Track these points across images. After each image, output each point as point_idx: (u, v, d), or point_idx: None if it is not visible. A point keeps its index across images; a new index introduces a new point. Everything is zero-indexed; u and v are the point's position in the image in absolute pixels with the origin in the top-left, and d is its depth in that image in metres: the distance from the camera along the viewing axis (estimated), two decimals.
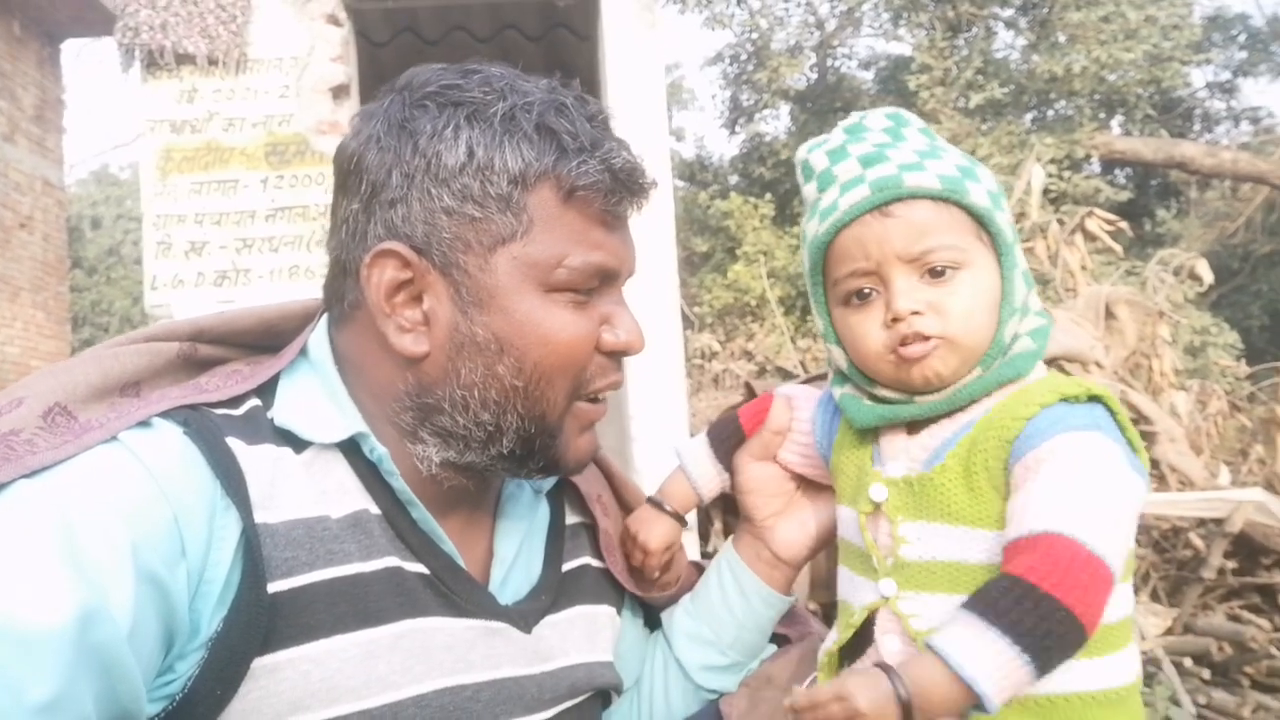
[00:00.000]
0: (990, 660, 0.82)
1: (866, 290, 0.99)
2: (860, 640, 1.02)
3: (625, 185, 0.99)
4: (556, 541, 1.15)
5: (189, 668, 0.85)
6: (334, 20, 4.25)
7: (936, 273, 0.97)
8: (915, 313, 0.96)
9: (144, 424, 0.89)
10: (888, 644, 0.98)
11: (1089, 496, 0.87)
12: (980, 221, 0.98)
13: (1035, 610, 0.83)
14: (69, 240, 11.34)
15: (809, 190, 1.06)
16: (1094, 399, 0.94)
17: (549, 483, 1.16)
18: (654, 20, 4.16)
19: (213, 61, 4.18)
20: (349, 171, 0.99)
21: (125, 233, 21.40)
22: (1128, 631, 0.96)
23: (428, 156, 0.94)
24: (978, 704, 0.83)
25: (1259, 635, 4.13)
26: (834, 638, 1.05)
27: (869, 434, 1.07)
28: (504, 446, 0.98)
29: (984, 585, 0.87)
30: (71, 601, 0.75)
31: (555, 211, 0.96)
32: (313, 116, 4.21)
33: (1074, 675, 0.91)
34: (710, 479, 1.19)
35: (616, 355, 1.03)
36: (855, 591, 1.03)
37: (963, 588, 0.93)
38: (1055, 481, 0.88)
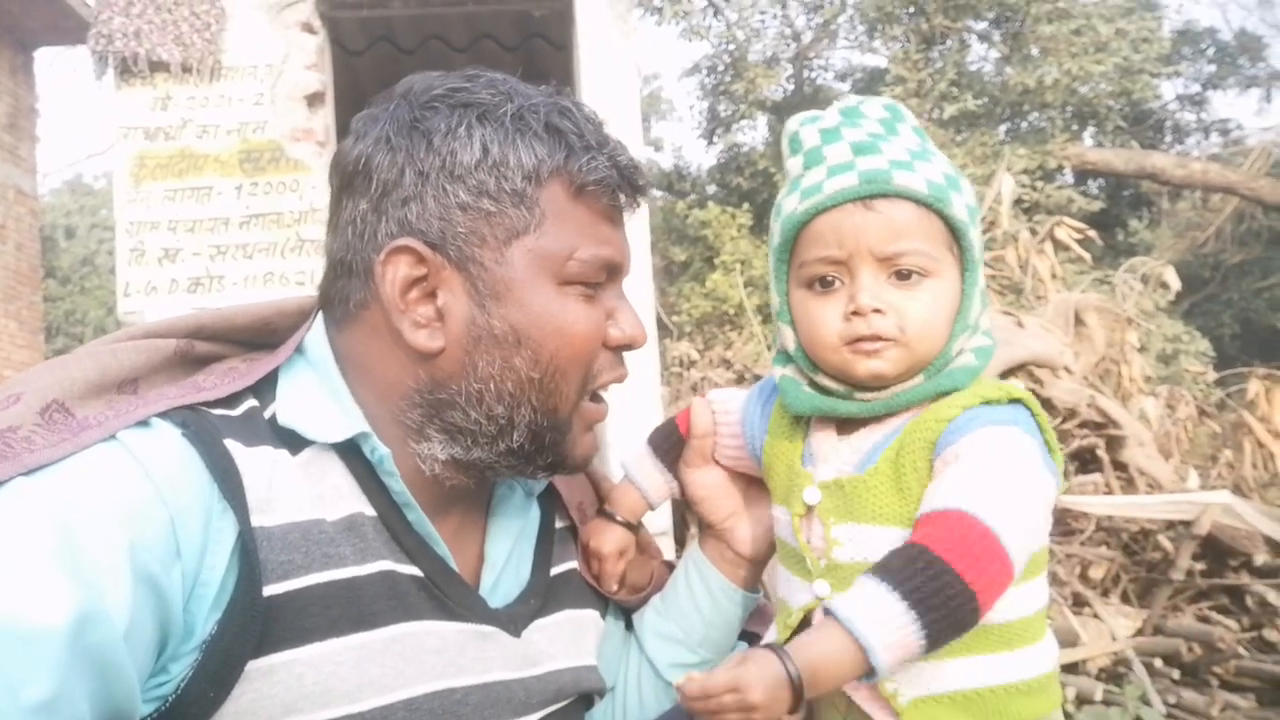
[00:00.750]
0: (884, 621, 0.82)
1: (831, 278, 0.99)
2: (795, 637, 0.99)
3: (629, 182, 1.03)
4: (546, 545, 1.16)
5: (182, 669, 0.86)
6: (309, 28, 4.26)
7: (904, 275, 0.97)
8: (877, 311, 0.96)
9: (143, 424, 0.90)
10: None
11: (998, 482, 0.89)
12: (955, 234, 0.99)
13: (931, 577, 0.84)
14: (42, 250, 11.22)
15: (794, 164, 1.05)
16: (1014, 400, 0.97)
17: (540, 485, 1.17)
18: (629, 30, 4.19)
19: (187, 69, 4.18)
20: (355, 173, 1.00)
21: (99, 242, 21.20)
22: (1043, 624, 0.99)
23: (442, 154, 0.96)
24: (869, 673, 0.83)
25: (1227, 636, 4.18)
26: (772, 637, 1.07)
27: (799, 430, 1.07)
28: (514, 441, 1.00)
29: (886, 555, 0.88)
30: (68, 602, 0.75)
31: (566, 207, 0.99)
32: (287, 124, 4.21)
33: (998, 668, 0.94)
34: (658, 486, 1.21)
35: (620, 350, 1.06)
36: (792, 592, 1.04)
37: None
38: (968, 467, 0.90)
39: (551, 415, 1.00)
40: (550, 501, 1.20)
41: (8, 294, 9.47)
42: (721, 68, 13.53)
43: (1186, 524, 4.40)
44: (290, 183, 4.23)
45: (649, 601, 1.26)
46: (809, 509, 1.01)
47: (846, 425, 1.03)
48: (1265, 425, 5.74)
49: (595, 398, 1.06)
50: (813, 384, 1.04)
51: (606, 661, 1.21)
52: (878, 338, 0.96)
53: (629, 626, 1.29)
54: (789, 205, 1.02)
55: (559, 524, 1.20)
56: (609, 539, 1.18)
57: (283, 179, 4.23)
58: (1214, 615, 4.48)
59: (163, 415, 0.91)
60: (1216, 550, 4.54)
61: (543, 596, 1.11)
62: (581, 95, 4.20)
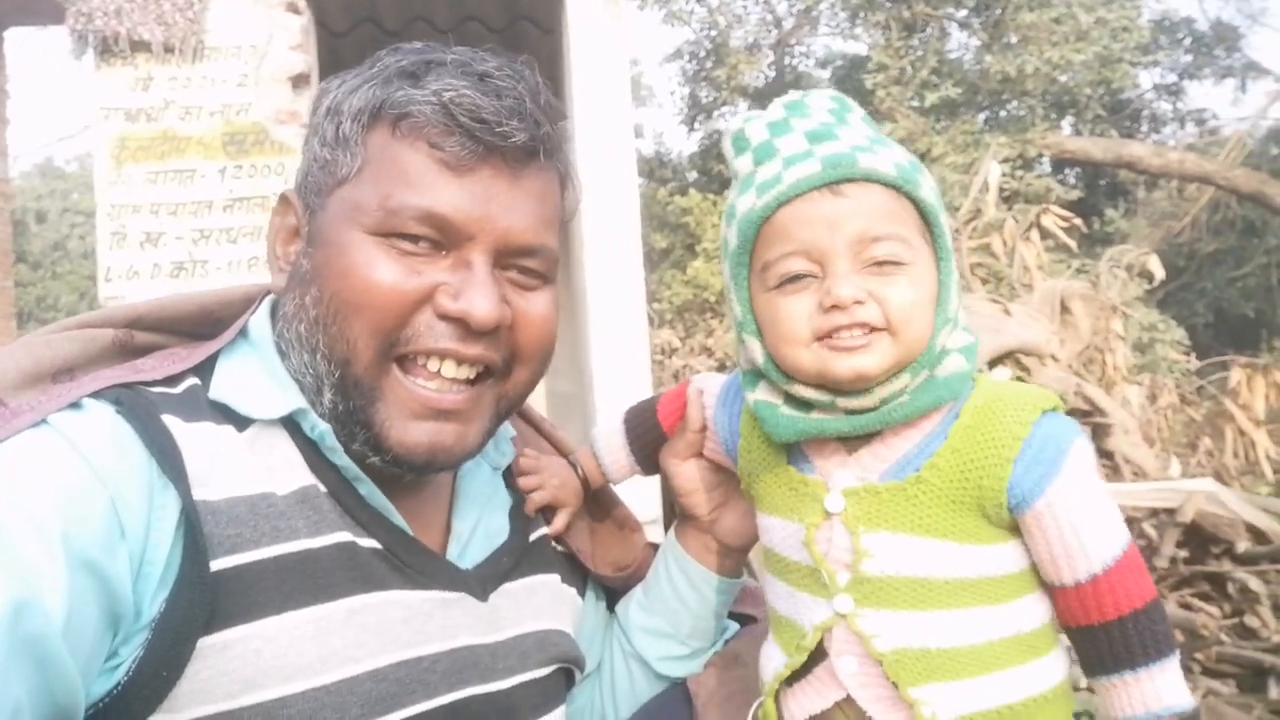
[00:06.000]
0: (1182, 681, 0.91)
1: (801, 274, 0.92)
2: (807, 658, 0.98)
3: (458, 122, 0.92)
4: (521, 514, 1.15)
5: (132, 651, 0.83)
6: (293, 8, 4.18)
7: (880, 264, 0.91)
8: (858, 302, 0.90)
9: (74, 406, 0.88)
10: (844, 665, 0.95)
11: (1102, 511, 0.93)
12: (926, 221, 0.94)
13: (1162, 630, 0.91)
14: (13, 234, 11.04)
15: (742, 163, 0.98)
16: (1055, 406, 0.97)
17: (505, 460, 1.16)
18: (618, 13, 4.15)
19: (169, 49, 4.10)
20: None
21: (71, 227, 20.92)
22: (1055, 632, 0.98)
23: (316, 111, 1.00)
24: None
25: (1209, 623, 4.23)
26: (783, 660, 1.00)
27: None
28: (327, 400, 0.95)
29: (1125, 632, 0.91)
30: (1, 595, 0.73)
31: (389, 151, 0.94)
32: (271, 105, 4.14)
33: (1026, 680, 0.93)
34: (620, 466, 1.19)
35: (459, 324, 0.94)
36: (801, 609, 0.99)
37: (925, 605, 0.92)
38: (1080, 517, 0.92)
39: (344, 367, 0.93)
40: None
41: None
42: (703, 54, 13.50)
43: (1170, 511, 4.44)
44: (275, 165, 4.16)
45: (632, 597, 1.25)
46: (828, 517, 0.96)
47: (853, 438, 0.98)
48: (1246, 413, 5.81)
49: (421, 371, 0.95)
50: (789, 400, 0.97)
51: (587, 640, 1.21)
52: (863, 326, 0.90)
53: (610, 609, 1.28)
54: (745, 204, 0.95)
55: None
56: (560, 478, 1.17)
57: (267, 161, 4.16)
58: (1196, 602, 4.53)
59: (96, 395, 0.89)
60: (1199, 537, 4.59)
61: (517, 557, 1.10)
62: (570, 80, 4.16)
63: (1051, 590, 0.95)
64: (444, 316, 0.93)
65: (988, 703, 0.91)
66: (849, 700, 0.95)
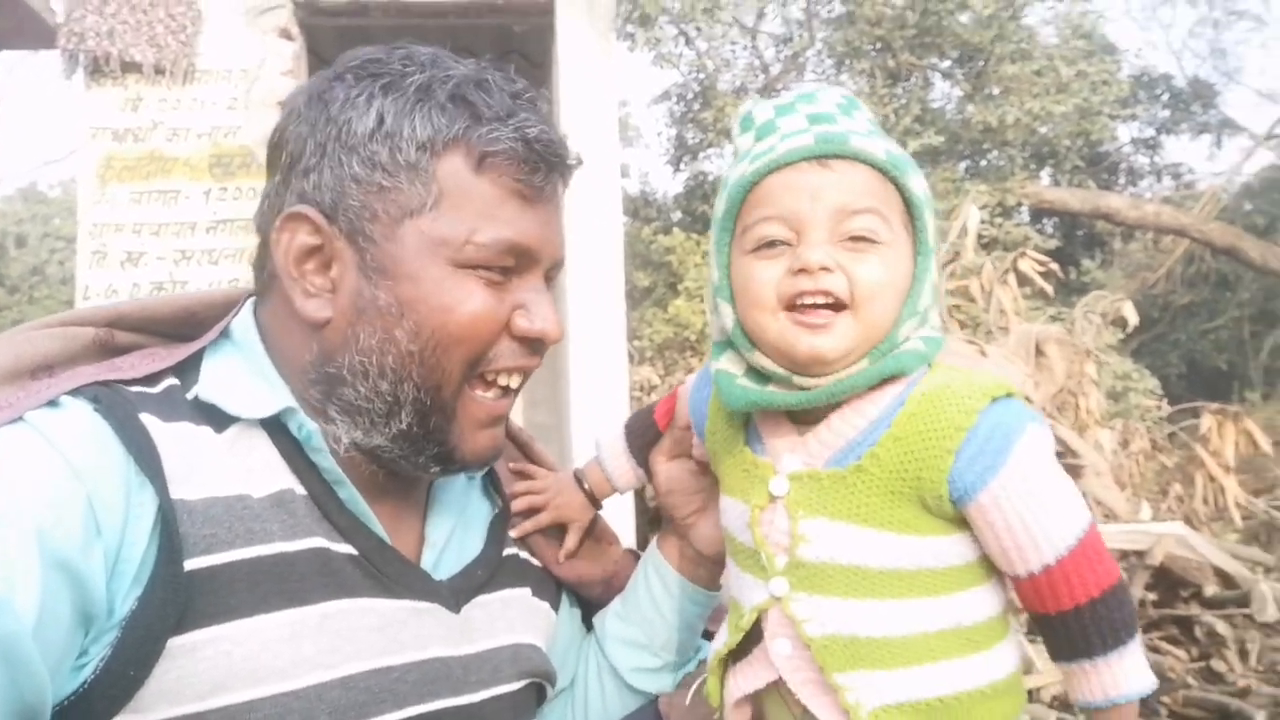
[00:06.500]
0: (1143, 662, 0.91)
1: (778, 240, 0.93)
2: (747, 639, 0.99)
3: (541, 156, 0.97)
4: (497, 525, 1.16)
5: (101, 649, 0.83)
6: (286, 34, 4.23)
7: (856, 240, 0.92)
8: (825, 269, 0.90)
9: (52, 403, 0.88)
10: (778, 647, 0.95)
11: (1058, 497, 0.91)
12: (911, 213, 0.95)
13: (1125, 614, 0.91)
14: None
15: (744, 140, 1.00)
16: (1008, 394, 0.93)
17: (479, 470, 1.15)
18: (608, 50, 4.22)
19: (160, 71, 4.14)
20: (273, 147, 1.02)
21: (51, 252, 20.76)
22: (1005, 625, 0.97)
23: (339, 124, 0.95)
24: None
25: (1177, 666, 4.25)
26: (723, 639, 1.02)
27: (738, 414, 1.03)
28: (402, 423, 0.97)
29: (1081, 623, 0.90)
30: None
31: (467, 182, 0.95)
32: (260, 130, 4.17)
33: (963, 673, 0.92)
34: (624, 473, 1.20)
35: (530, 341, 1.01)
36: (744, 590, 1.00)
37: (858, 593, 0.91)
38: (1032, 504, 0.89)
39: (435, 394, 0.97)
40: (498, 488, 1.19)
41: None
42: (690, 96, 13.64)
43: (1140, 554, 4.47)
44: (261, 189, 4.18)
45: (609, 606, 1.25)
46: (772, 500, 0.97)
47: (802, 418, 0.98)
48: (1217, 459, 5.87)
49: (490, 386, 1.01)
50: (749, 372, 0.98)
51: (561, 655, 1.21)
52: (826, 295, 0.90)
53: (588, 626, 1.28)
54: (737, 172, 0.97)
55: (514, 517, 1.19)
56: (565, 497, 1.17)
57: (253, 185, 4.19)
58: (1164, 645, 4.54)
59: (74, 392, 0.89)
60: (1168, 581, 4.61)
61: (491, 570, 1.10)
62: (560, 116, 4.21)
63: (1006, 578, 0.95)
64: (522, 337, 1.00)
65: (916, 694, 0.90)
66: (781, 681, 0.95)
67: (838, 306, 0.91)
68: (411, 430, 0.98)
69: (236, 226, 4.19)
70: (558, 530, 1.22)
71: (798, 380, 0.94)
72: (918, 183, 0.95)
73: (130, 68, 4.14)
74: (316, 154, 0.96)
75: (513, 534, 1.17)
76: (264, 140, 3.85)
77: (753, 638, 0.98)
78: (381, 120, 0.94)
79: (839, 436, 0.95)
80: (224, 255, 4.19)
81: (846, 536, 0.92)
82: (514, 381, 1.03)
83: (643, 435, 1.19)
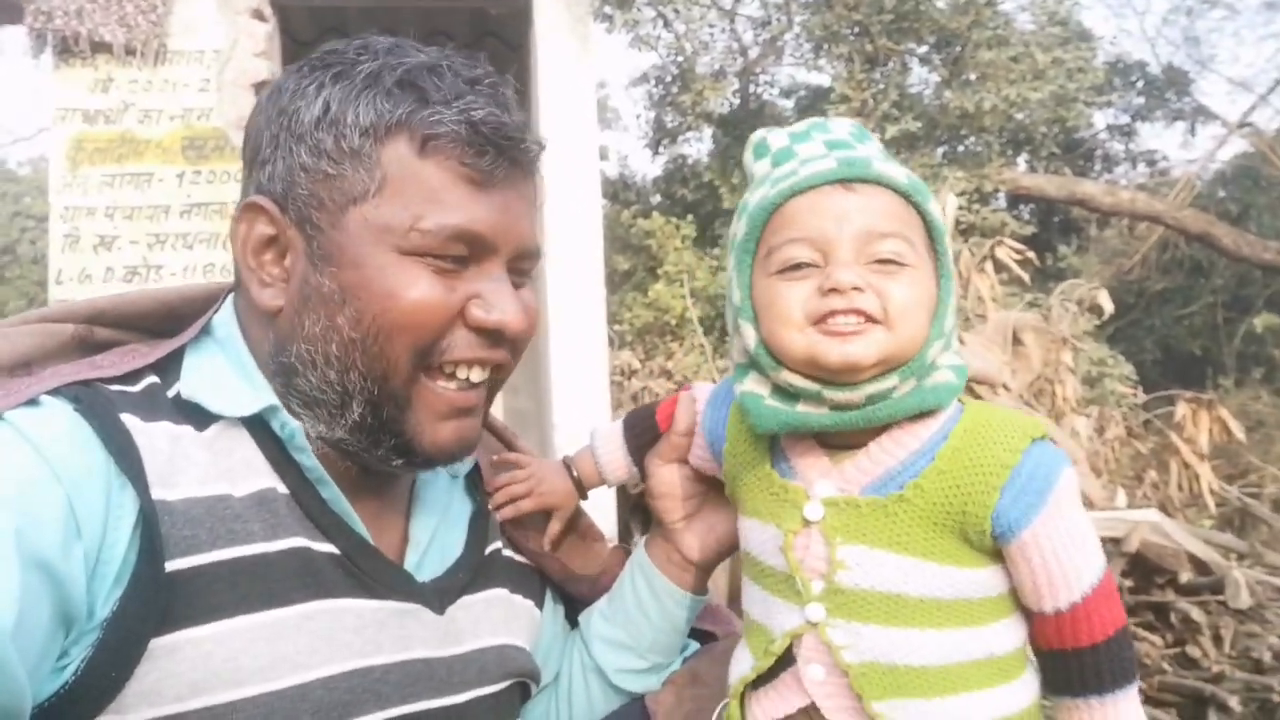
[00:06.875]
0: (1139, 709, 0.94)
1: (804, 262, 0.94)
2: (774, 665, 0.99)
3: (488, 139, 0.94)
4: (479, 525, 1.15)
5: (82, 650, 0.82)
6: (259, 15, 4.16)
7: (883, 262, 0.93)
8: (857, 289, 0.91)
9: (32, 402, 0.87)
10: (811, 672, 0.95)
11: (1084, 543, 0.93)
12: (931, 237, 0.96)
13: (1127, 658, 0.93)
14: None
15: (761, 167, 1.01)
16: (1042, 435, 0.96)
17: (464, 468, 1.16)
18: (586, 34, 4.18)
19: (130, 51, 4.05)
20: (244, 142, 1.02)
21: (22, 231, 20.49)
22: (1023, 659, 0.98)
23: (288, 114, 0.96)
24: None
25: (1152, 652, 4.30)
26: (750, 663, 1.01)
27: (763, 437, 1.02)
28: (355, 414, 0.96)
29: (1096, 659, 0.92)
30: None
31: (411, 167, 0.93)
32: (234, 111, 4.10)
33: (992, 702, 0.93)
34: (617, 466, 1.19)
35: (488, 333, 0.98)
36: (773, 614, 0.99)
37: (897, 621, 0.92)
38: (1064, 546, 0.92)
39: (382, 383, 0.95)
40: (480, 486, 1.18)
41: None
42: (669, 79, 13.60)
43: (1116, 541, 4.51)
44: (235, 172, 4.11)
45: (595, 606, 1.25)
46: (806, 525, 0.96)
47: (836, 448, 0.98)
48: (1191, 447, 5.93)
49: (450, 378, 0.99)
50: (776, 391, 0.98)
51: (544, 653, 1.20)
52: (859, 313, 0.91)
53: (572, 623, 1.27)
54: (758, 195, 0.98)
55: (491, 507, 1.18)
56: (552, 483, 1.16)
57: (227, 168, 4.12)
58: (1140, 631, 4.60)
59: (54, 391, 0.88)
60: (1144, 568, 4.66)
61: (473, 571, 1.10)
62: (537, 99, 4.17)
63: (1029, 614, 0.96)
64: (477, 328, 0.96)
65: None
66: (813, 707, 0.95)
67: (870, 322, 0.92)
68: (366, 421, 0.96)
69: (210, 210, 4.12)
70: (543, 524, 1.21)
71: (828, 394, 0.94)
72: (935, 208, 0.97)
73: (100, 48, 4.04)
74: (270, 145, 0.97)
75: (497, 514, 1.16)
76: (238, 122, 3.76)
77: (780, 663, 0.98)
78: (327, 108, 0.94)
79: (878, 465, 0.95)
80: (198, 239, 4.12)
81: (887, 564, 0.93)
82: (474, 374, 1.00)
83: (642, 435, 1.18)
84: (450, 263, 0.95)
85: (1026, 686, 0.96)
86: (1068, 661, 0.93)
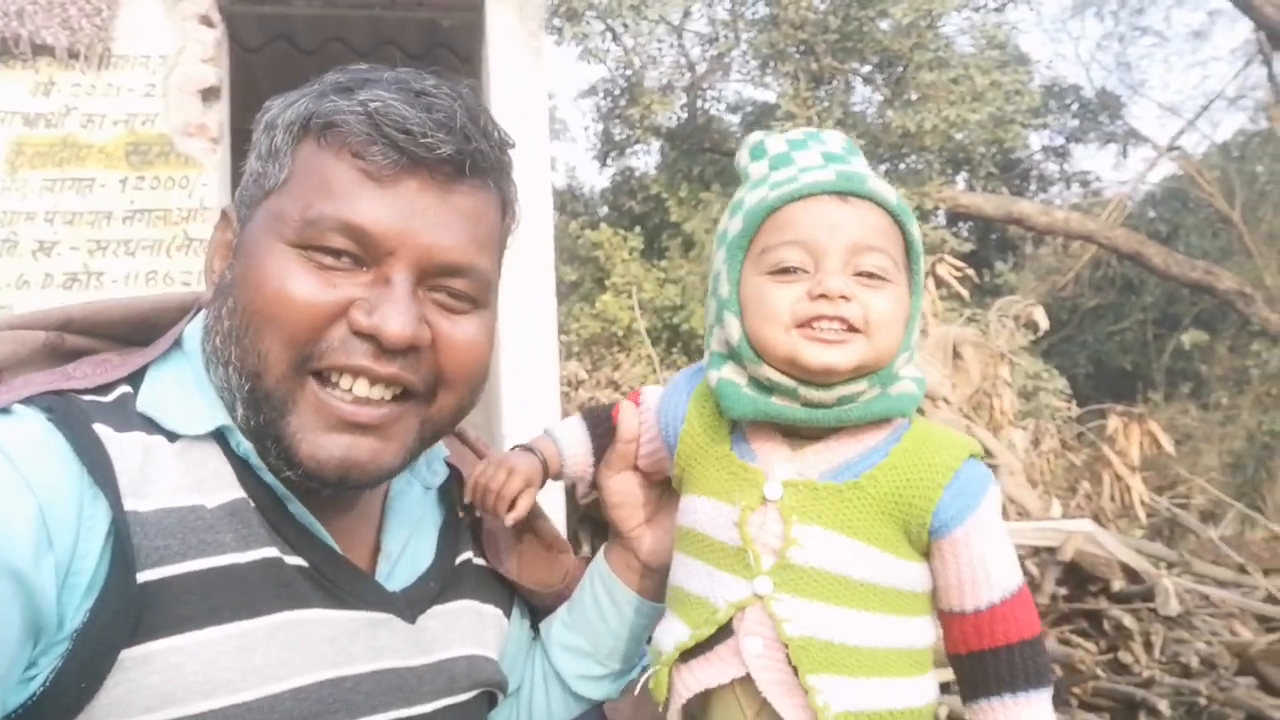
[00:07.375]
0: (1051, 715, 0.99)
1: (795, 266, 1.00)
2: (708, 636, 1.02)
3: (383, 132, 0.90)
4: (450, 534, 1.15)
5: (52, 661, 0.81)
6: (207, 21, 4.11)
7: (868, 275, 0.99)
8: (844, 297, 0.97)
9: (4, 411, 0.86)
10: (750, 645, 0.98)
11: (1003, 550, 1.01)
12: (909, 255, 1.03)
13: (1041, 662, 0.99)
14: None
15: (757, 168, 1.06)
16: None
17: (438, 479, 1.15)
18: (539, 46, 4.20)
19: (73, 55, 3.98)
20: None
21: None
22: (931, 659, 1.04)
23: (256, 130, 0.99)
24: None
25: (1086, 658, 4.41)
26: (686, 632, 1.03)
27: (723, 423, 1.07)
28: (240, 414, 0.93)
29: (1011, 659, 0.99)
30: None
31: (314, 160, 0.92)
32: (180, 118, 4.05)
33: (912, 691, 1.00)
34: (577, 454, 1.17)
35: (370, 340, 0.91)
36: (716, 587, 1.02)
37: (838, 599, 0.97)
38: (985, 551, 1.00)
39: (255, 380, 0.91)
40: (453, 496, 1.18)
41: None
42: (617, 92, 13.64)
43: (1052, 550, 4.63)
44: (179, 178, 4.06)
45: (555, 613, 1.26)
46: (764, 503, 1.01)
47: (796, 439, 1.04)
48: (1123, 459, 6.10)
49: (336, 385, 0.92)
50: (754, 383, 1.03)
51: (510, 662, 1.20)
52: (842, 321, 0.97)
53: (536, 631, 1.28)
54: (756, 196, 1.03)
55: (462, 516, 1.18)
56: (523, 463, 1.13)
57: (171, 174, 4.06)
58: (1074, 638, 4.72)
59: (27, 401, 0.88)
60: (1078, 576, 4.79)
61: (443, 581, 1.09)
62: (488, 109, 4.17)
63: (943, 618, 1.03)
64: (358, 332, 0.91)
65: (874, 703, 0.97)
66: (747, 679, 0.99)
67: (851, 331, 0.98)
68: (250, 423, 0.93)
69: (154, 216, 4.06)
70: (513, 536, 1.21)
71: (803, 392, 1.00)
72: (918, 228, 1.04)
73: (41, 50, 3.96)
74: (249, 160, 1.00)
75: (478, 511, 1.14)
76: (183, 128, 3.70)
77: (716, 635, 1.01)
78: (272, 115, 0.97)
79: (837, 455, 1.02)
80: (141, 246, 4.05)
81: (837, 545, 0.98)
82: (359, 387, 0.92)
83: (599, 426, 1.19)
84: (335, 258, 0.91)
85: (932, 684, 1.03)
86: (984, 661, 1.00)
